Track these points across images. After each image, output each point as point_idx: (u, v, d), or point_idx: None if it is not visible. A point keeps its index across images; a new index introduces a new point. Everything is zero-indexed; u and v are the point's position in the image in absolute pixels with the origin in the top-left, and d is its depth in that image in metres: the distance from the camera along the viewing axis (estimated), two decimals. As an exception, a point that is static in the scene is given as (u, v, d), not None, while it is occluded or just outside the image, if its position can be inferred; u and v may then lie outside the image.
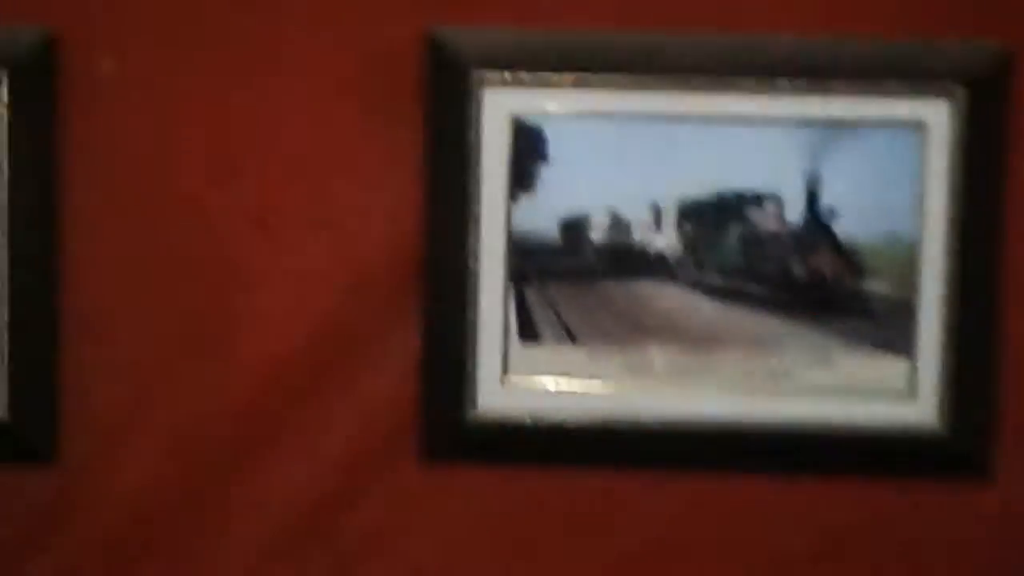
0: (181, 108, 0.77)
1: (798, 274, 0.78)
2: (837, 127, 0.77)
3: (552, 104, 0.78)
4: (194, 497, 0.79)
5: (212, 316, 0.78)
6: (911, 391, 0.78)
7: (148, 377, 0.78)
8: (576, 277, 0.79)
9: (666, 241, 0.78)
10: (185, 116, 0.77)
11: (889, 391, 0.78)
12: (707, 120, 0.77)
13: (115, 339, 0.78)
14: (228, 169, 0.77)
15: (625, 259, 0.78)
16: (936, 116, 0.76)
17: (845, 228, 0.77)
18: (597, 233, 0.78)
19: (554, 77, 0.77)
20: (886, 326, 0.78)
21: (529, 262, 0.78)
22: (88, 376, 0.78)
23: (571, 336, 0.79)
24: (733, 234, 0.78)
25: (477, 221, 0.77)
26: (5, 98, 0.75)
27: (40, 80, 0.76)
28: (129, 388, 0.78)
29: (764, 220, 0.78)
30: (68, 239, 0.77)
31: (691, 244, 0.78)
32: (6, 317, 0.76)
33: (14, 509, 0.79)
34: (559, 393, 0.78)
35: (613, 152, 0.77)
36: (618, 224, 0.78)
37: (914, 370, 0.78)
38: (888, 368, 0.78)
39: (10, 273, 0.76)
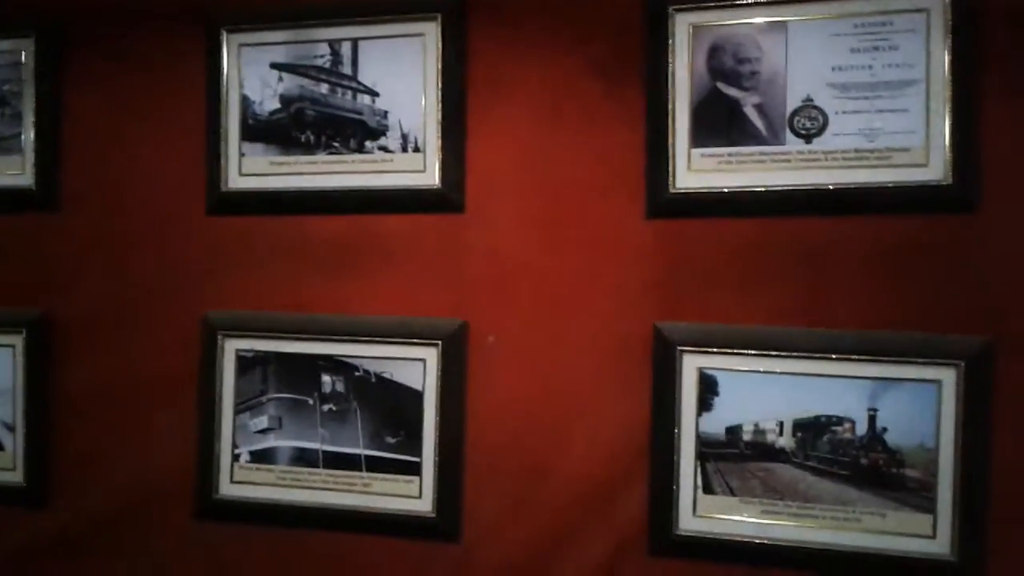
0: (528, 362, 1.47)
1: (864, 464, 1.35)
2: (887, 381, 1.34)
3: (721, 363, 1.40)
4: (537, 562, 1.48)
5: (553, 444, 1.46)
6: (933, 534, 1.33)
7: (518, 485, 1.47)
8: (734, 459, 1.40)
9: (785, 442, 1.38)
10: (525, 368, 1.47)
11: (920, 535, 1.33)
12: (811, 375, 1.37)
13: (504, 464, 1.47)
14: (543, 396, 1.47)
15: (762, 450, 1.39)
16: (947, 378, 1.32)
17: (892, 439, 1.34)
18: (746, 435, 1.39)
19: (721, 349, 1.40)
20: (917, 495, 1.33)
21: (708, 450, 1.41)
22: (484, 483, 1.48)
23: (731, 491, 1.40)
24: (825, 440, 1.37)
25: (679, 427, 1.41)
26: (440, 355, 1.48)
27: (457, 348, 1.48)
28: (506, 492, 1.47)
29: (843, 432, 1.36)
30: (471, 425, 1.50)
31: (800, 444, 1.38)
32: (433, 449, 1.50)
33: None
34: (724, 521, 1.40)
35: (756, 390, 1.39)
36: (758, 431, 1.39)
37: (934, 521, 1.33)
38: (919, 520, 1.34)
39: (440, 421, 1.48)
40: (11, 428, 1.65)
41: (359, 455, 1.51)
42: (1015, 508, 1.31)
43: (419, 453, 1.49)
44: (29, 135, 1.63)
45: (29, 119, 1.63)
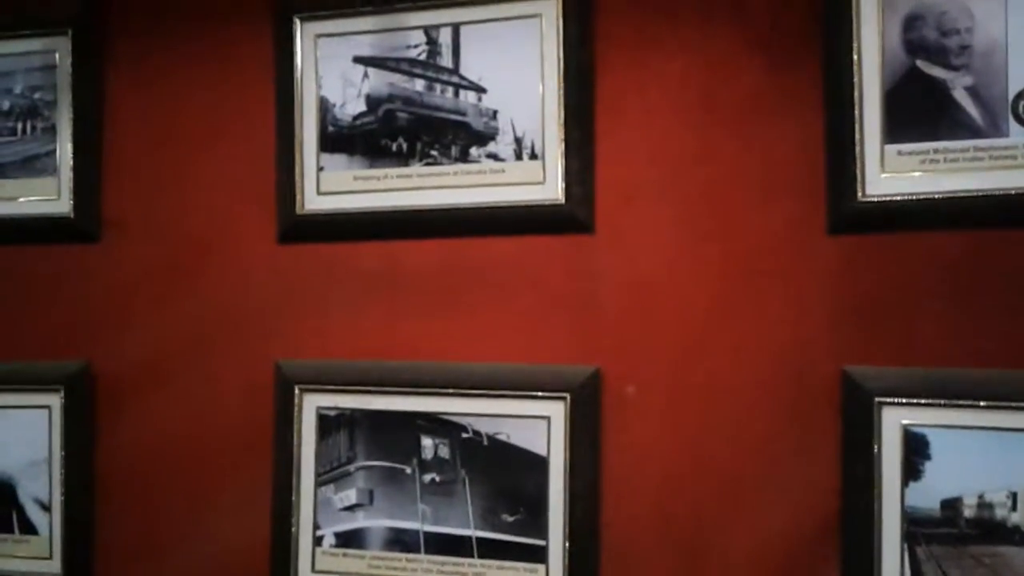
0: (679, 419, 1.24)
1: None
2: None
3: (932, 418, 1.13)
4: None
5: (712, 524, 1.22)
6: None
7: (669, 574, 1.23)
8: (953, 541, 1.12)
9: (1020, 518, 1.10)
10: (675, 427, 1.24)
11: None
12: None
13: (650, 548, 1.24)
14: (698, 462, 1.23)
15: (989, 529, 1.11)
16: None
17: None
18: (968, 511, 1.12)
19: (932, 400, 1.13)
20: None
21: (918, 529, 1.13)
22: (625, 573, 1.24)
23: (951, 585, 1.12)
24: (1076, 515, 1.09)
25: (879, 501, 1.14)
26: (567, 412, 1.25)
27: (589, 401, 1.25)
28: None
29: (1098, 505, 1.09)
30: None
31: (1042, 523, 1.10)
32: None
33: None
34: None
35: (980, 453, 1.12)
36: (984, 504, 1.11)
37: None
38: None
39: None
40: (47, 507, 1.46)
41: (469, 537, 1.31)
42: None
43: (544, 535, 1.28)
44: (65, 152, 1.47)
45: (65, 133, 1.46)
